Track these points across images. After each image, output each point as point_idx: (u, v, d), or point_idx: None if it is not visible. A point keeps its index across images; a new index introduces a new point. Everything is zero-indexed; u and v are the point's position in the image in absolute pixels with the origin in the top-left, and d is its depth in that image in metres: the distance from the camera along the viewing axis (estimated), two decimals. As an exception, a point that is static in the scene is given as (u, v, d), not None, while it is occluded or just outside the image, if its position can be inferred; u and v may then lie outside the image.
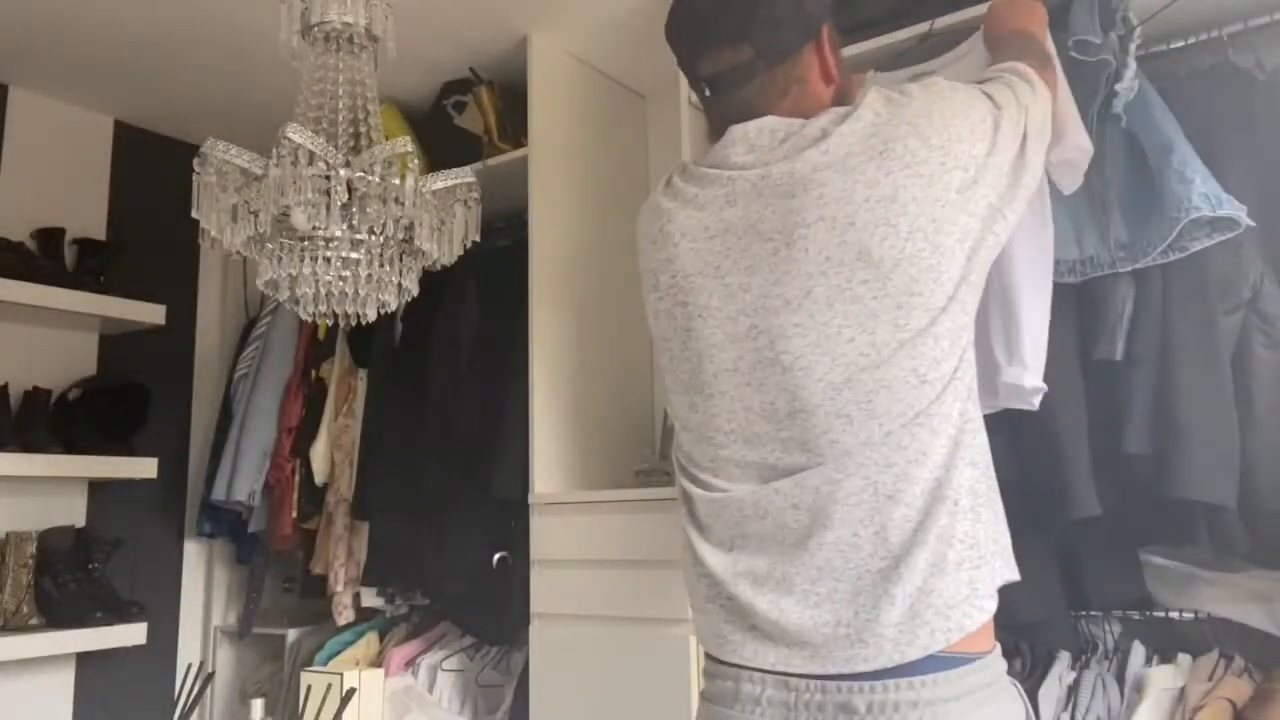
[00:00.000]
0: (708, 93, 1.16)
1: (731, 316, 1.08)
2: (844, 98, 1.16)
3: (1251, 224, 1.39)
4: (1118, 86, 1.47)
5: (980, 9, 1.58)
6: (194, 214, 1.46)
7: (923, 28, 1.65)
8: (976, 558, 1.00)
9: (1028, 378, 1.30)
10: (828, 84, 1.15)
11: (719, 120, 1.16)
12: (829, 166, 1.03)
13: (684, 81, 1.94)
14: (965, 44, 1.55)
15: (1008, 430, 1.48)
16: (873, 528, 1.00)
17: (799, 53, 1.12)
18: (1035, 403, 1.34)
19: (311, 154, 1.40)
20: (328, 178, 1.41)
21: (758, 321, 1.05)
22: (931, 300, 1.01)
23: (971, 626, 0.98)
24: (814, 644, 1.00)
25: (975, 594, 0.99)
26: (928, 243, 1.01)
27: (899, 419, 1.00)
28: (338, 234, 1.47)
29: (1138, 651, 1.61)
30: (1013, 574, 1.04)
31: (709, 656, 1.12)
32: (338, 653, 2.38)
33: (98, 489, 2.56)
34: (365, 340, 2.47)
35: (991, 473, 1.07)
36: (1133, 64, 1.48)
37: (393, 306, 1.60)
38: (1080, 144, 1.29)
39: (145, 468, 2.46)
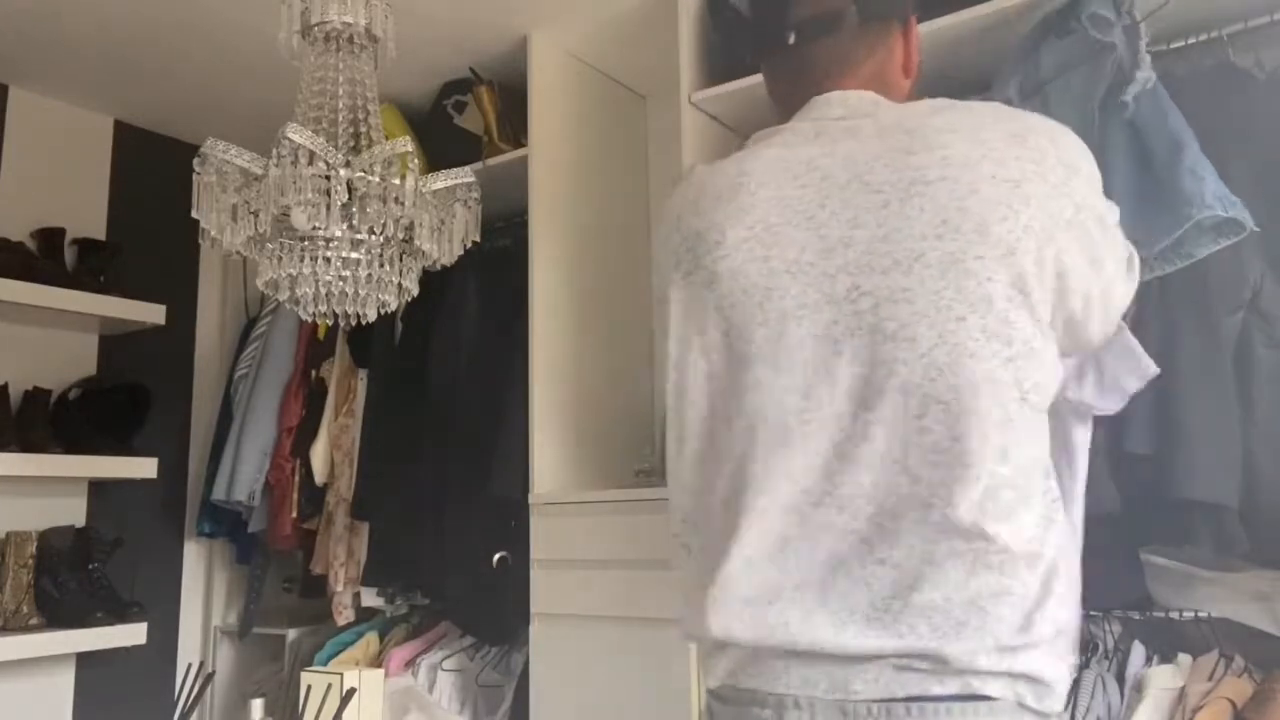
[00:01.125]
0: (792, 39, 1.05)
1: (829, 274, 0.93)
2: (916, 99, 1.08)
3: (1255, 228, 1.39)
4: (1136, 74, 1.46)
5: (963, 15, 1.61)
6: (194, 214, 1.46)
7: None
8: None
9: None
10: (907, 76, 1.10)
11: (792, 79, 1.07)
12: (954, 130, 0.94)
13: (684, 81, 1.96)
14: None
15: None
16: None
17: (890, 24, 1.07)
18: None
19: (311, 154, 1.40)
20: (328, 178, 1.41)
21: (861, 281, 0.92)
22: (1037, 311, 0.91)
23: None
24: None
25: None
26: (1036, 248, 0.90)
27: (994, 423, 0.88)
28: (338, 234, 1.47)
29: (1138, 651, 1.61)
30: None
31: None
32: (338, 653, 2.38)
33: (98, 489, 2.56)
34: (365, 340, 2.47)
35: None
36: (1147, 56, 1.48)
37: (393, 306, 1.61)
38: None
39: (145, 468, 2.46)
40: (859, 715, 0.88)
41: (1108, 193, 1.01)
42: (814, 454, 0.91)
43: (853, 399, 0.91)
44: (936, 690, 0.86)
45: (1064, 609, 0.90)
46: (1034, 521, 0.89)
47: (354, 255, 1.50)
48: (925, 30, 1.66)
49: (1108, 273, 0.98)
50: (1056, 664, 0.90)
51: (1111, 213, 1.01)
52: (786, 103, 1.07)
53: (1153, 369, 1.13)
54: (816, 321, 0.93)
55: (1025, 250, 0.89)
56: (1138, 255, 1.06)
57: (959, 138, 0.93)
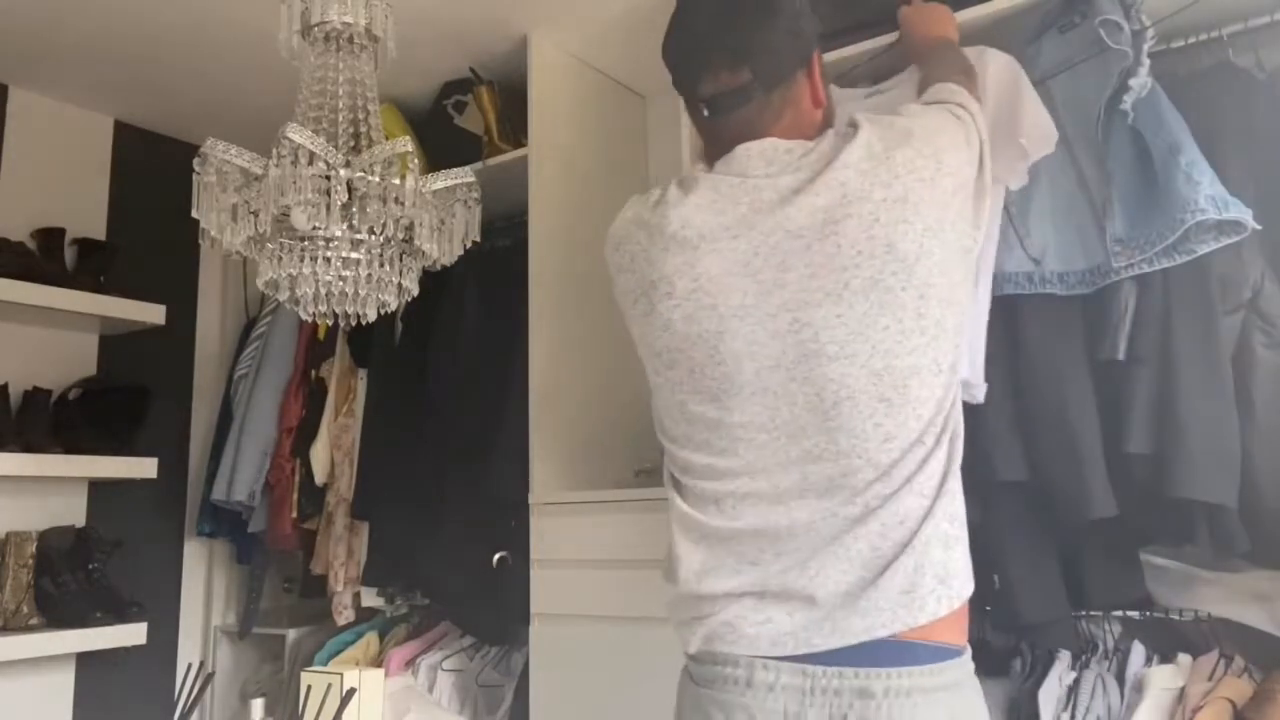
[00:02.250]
0: (706, 113, 1.19)
1: (771, 313, 1.09)
2: (829, 119, 1.23)
3: (1257, 227, 1.39)
4: (1131, 82, 1.47)
5: (963, 16, 1.62)
6: (194, 214, 1.46)
7: (881, 41, 1.69)
8: (961, 537, 1.11)
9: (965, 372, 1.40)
10: (817, 107, 1.20)
11: (717, 140, 1.20)
12: (845, 166, 1.09)
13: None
14: (910, 68, 1.61)
15: (1022, 434, 1.50)
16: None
17: (793, 77, 1.17)
18: (978, 396, 1.45)
19: (311, 154, 1.40)
20: (328, 178, 1.41)
21: (799, 315, 1.08)
22: (944, 294, 1.09)
23: (964, 597, 1.09)
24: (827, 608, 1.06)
25: (967, 570, 1.10)
26: (937, 241, 1.08)
27: (927, 404, 1.07)
28: (338, 234, 1.47)
29: (1138, 651, 1.61)
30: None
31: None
32: (338, 653, 2.38)
33: (98, 489, 2.56)
34: (365, 340, 2.47)
35: None
36: (1147, 61, 1.48)
37: (393, 306, 1.60)
38: (1040, 123, 1.44)
39: (145, 468, 2.46)
40: None
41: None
42: (786, 461, 1.09)
43: (812, 414, 1.08)
44: None
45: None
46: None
47: (354, 255, 1.50)
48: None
49: (984, 166, 1.17)
50: None
51: (969, 123, 1.18)
52: (711, 149, 1.22)
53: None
54: (768, 354, 1.09)
55: (929, 251, 1.07)
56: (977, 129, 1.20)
57: (851, 173, 1.08)
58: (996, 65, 1.50)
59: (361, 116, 1.52)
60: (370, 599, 2.43)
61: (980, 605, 1.30)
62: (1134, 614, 1.62)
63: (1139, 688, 1.55)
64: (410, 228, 1.51)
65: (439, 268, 1.63)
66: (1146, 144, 1.46)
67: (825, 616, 1.05)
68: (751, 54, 1.14)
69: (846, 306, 1.06)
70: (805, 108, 1.19)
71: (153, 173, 2.69)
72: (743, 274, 1.10)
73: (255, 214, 1.43)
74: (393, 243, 1.52)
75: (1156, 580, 1.59)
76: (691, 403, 1.14)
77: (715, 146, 1.20)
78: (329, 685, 2.02)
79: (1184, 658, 1.57)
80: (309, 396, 2.60)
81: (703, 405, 1.13)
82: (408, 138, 1.49)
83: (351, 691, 1.97)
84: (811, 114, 1.20)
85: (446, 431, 2.24)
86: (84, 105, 2.62)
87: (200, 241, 1.48)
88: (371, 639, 2.43)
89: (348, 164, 1.43)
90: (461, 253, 1.61)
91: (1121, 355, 1.46)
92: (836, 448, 1.07)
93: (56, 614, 2.27)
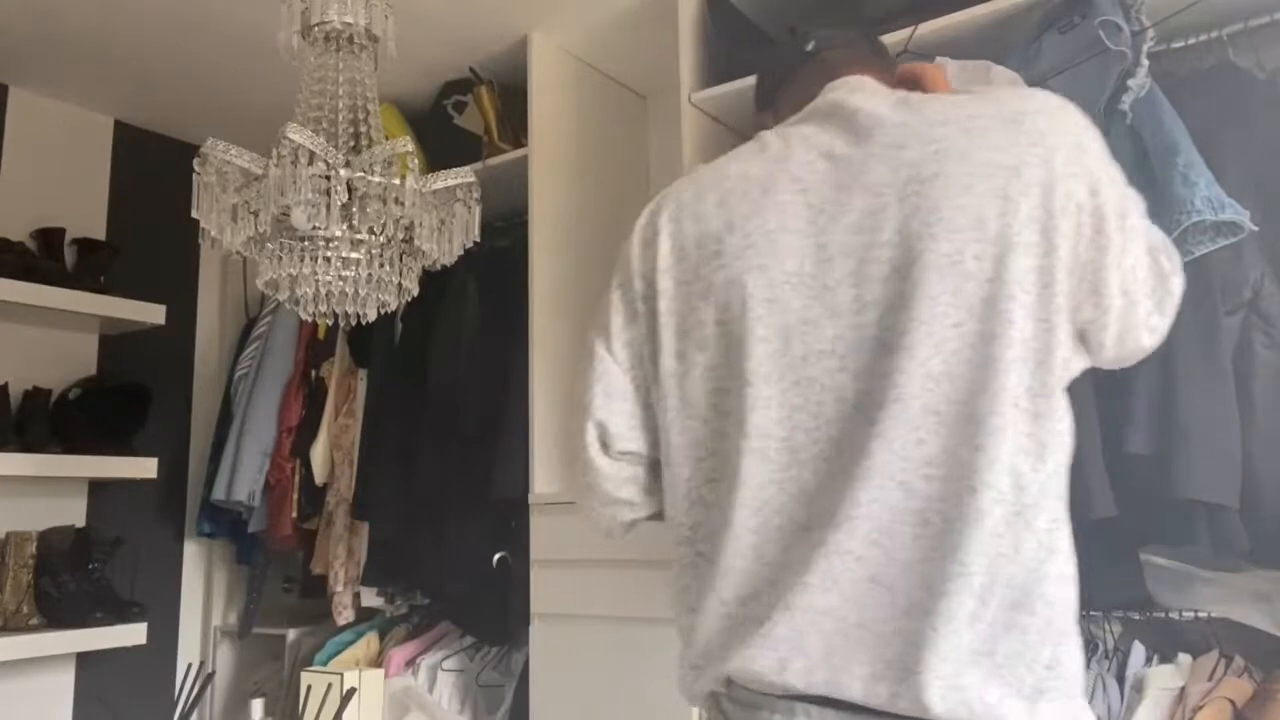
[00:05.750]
0: (811, 46, 1.09)
1: (829, 286, 0.90)
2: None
3: (1254, 228, 1.39)
4: (1130, 83, 1.47)
5: (962, 16, 1.62)
6: (194, 214, 1.46)
7: (905, 33, 1.66)
8: None
9: None
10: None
11: (804, 80, 1.06)
12: (946, 121, 0.90)
13: (684, 81, 1.95)
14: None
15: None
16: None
17: (890, 72, 1.10)
18: None
19: (311, 154, 1.40)
20: (328, 178, 1.41)
21: (863, 292, 0.89)
22: (1040, 310, 0.86)
23: None
24: None
25: None
26: (1044, 239, 0.86)
27: (995, 430, 0.84)
28: (338, 234, 1.47)
29: (1138, 651, 1.61)
30: None
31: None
32: (338, 653, 2.38)
33: (98, 489, 2.56)
34: (365, 340, 2.47)
35: None
36: (1146, 62, 1.48)
37: (393, 306, 1.61)
38: None
39: (145, 468, 2.45)
40: None
41: None
42: (824, 475, 0.88)
43: (860, 413, 0.87)
44: None
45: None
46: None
47: (354, 255, 1.50)
48: (926, 30, 1.66)
49: (1128, 275, 0.91)
50: None
51: (1135, 203, 0.94)
52: (794, 102, 1.05)
53: None
54: (820, 337, 0.90)
55: (1026, 245, 0.85)
56: (1179, 275, 1.00)
57: (952, 129, 0.89)
58: (1001, 81, 1.50)
59: (361, 116, 1.53)
60: (370, 599, 2.43)
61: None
62: (1134, 614, 1.62)
63: (1139, 688, 1.55)
64: (410, 228, 1.51)
65: (439, 268, 1.63)
66: (1145, 145, 1.46)
67: None
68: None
69: (912, 286, 0.89)
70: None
71: (153, 173, 2.69)
72: (805, 233, 0.97)
73: (255, 214, 1.44)
74: (393, 243, 1.53)
75: (1156, 580, 1.59)
76: (731, 390, 1.01)
77: (804, 92, 1.07)
78: (329, 685, 2.03)
79: (1184, 658, 1.57)
80: (309, 396, 2.59)
81: (737, 394, 0.99)
82: (408, 138, 1.49)
83: (351, 691, 1.97)
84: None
85: (446, 432, 2.24)
86: (84, 105, 2.62)
87: (200, 241, 1.49)
88: (371, 639, 2.43)
89: (348, 164, 1.43)
90: (461, 253, 1.61)
91: (1121, 355, 1.46)
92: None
93: (56, 614, 2.27)
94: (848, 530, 0.85)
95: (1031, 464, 0.84)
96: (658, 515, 1.07)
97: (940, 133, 0.90)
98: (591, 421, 1.01)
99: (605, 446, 1.02)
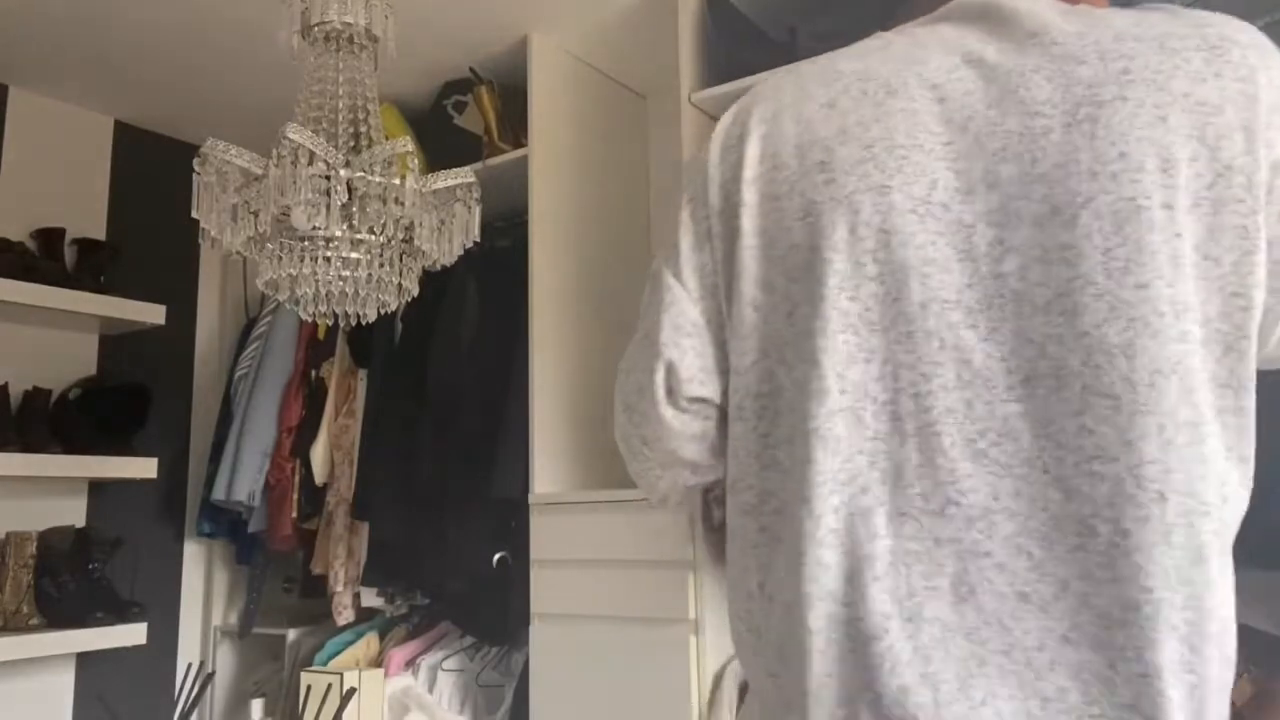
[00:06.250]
0: None
1: (966, 222, 0.73)
2: None
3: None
4: None
5: None
6: (194, 214, 1.46)
7: None
8: None
9: None
10: None
11: None
12: (1139, 38, 0.72)
13: (684, 81, 1.96)
14: None
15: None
16: None
17: None
18: None
19: (311, 154, 1.40)
20: (328, 178, 1.41)
21: (1007, 234, 0.72)
22: (1237, 281, 0.69)
23: None
24: None
25: None
26: (1249, 195, 0.69)
27: (1187, 424, 0.68)
28: (338, 234, 1.47)
29: (1138, 651, 1.61)
30: None
31: None
32: (338, 653, 2.38)
33: (98, 489, 2.56)
34: (365, 340, 2.47)
35: None
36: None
37: (393, 306, 1.61)
38: None
39: (145, 468, 2.45)
40: None
41: None
42: (931, 449, 0.72)
43: (988, 385, 0.71)
44: None
45: None
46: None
47: (354, 255, 1.50)
48: None
49: None
50: None
51: None
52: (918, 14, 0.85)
53: None
54: (945, 283, 0.72)
55: (1233, 195, 0.69)
56: None
57: (1144, 46, 0.72)
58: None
59: (361, 116, 1.53)
60: (370, 599, 2.43)
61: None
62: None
63: (1139, 688, 1.55)
64: (410, 228, 1.51)
65: (439, 268, 1.64)
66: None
67: None
68: None
69: (1083, 235, 0.73)
70: None
71: (153, 173, 2.70)
72: (940, 153, 0.79)
73: (255, 214, 1.44)
74: (393, 243, 1.53)
75: (1156, 580, 1.59)
76: (823, 333, 0.80)
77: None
78: (329, 685, 2.03)
79: (1184, 658, 1.57)
80: (309, 396, 2.60)
81: (839, 337, 0.80)
82: (408, 138, 1.49)
83: (351, 691, 1.97)
84: None
85: (446, 431, 2.24)
86: (84, 105, 2.62)
87: (200, 241, 1.49)
88: (371, 639, 2.43)
89: (348, 164, 1.43)
90: (461, 253, 1.61)
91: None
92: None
93: (56, 614, 2.27)
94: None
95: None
96: (722, 482, 0.88)
97: (1131, 48, 0.72)
98: (661, 362, 0.83)
99: (671, 392, 0.84)
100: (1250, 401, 0.70)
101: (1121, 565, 0.67)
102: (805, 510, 0.73)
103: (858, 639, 0.70)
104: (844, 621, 0.70)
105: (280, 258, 1.49)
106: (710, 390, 0.84)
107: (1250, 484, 0.72)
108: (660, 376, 0.83)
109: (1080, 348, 0.68)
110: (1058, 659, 0.67)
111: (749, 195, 0.80)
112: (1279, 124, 0.71)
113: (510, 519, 2.13)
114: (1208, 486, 0.68)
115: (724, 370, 0.83)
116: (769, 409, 0.79)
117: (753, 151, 0.81)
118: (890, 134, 0.75)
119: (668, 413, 0.85)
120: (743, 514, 0.80)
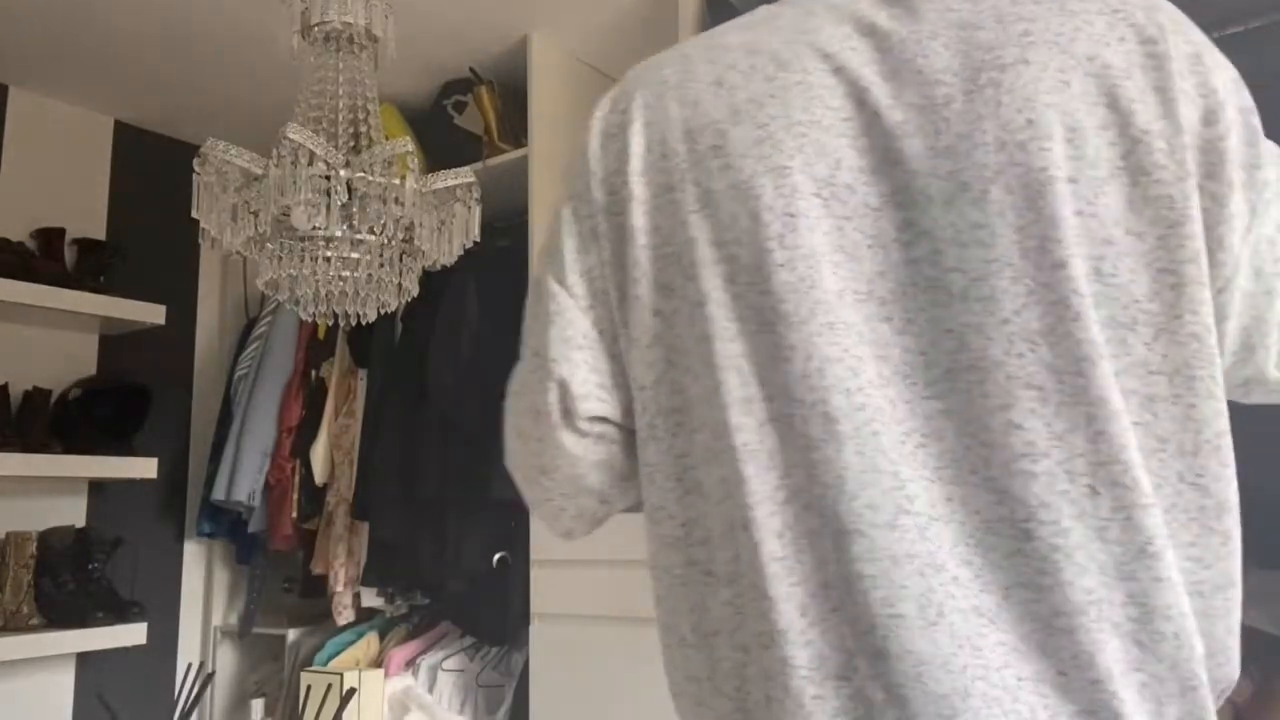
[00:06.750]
0: None
1: (872, 205, 0.66)
2: None
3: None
4: None
5: None
6: (194, 214, 1.46)
7: None
8: None
9: None
10: None
11: None
12: (1038, 1, 0.68)
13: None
14: None
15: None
16: None
17: None
18: None
19: (311, 154, 1.40)
20: (328, 178, 1.41)
21: (916, 215, 0.65)
22: (1165, 257, 0.64)
23: None
24: None
25: None
26: (1171, 161, 0.64)
27: (1117, 413, 0.63)
28: (338, 234, 1.48)
29: (1138, 651, 1.61)
30: None
31: None
32: (338, 653, 2.39)
33: (98, 489, 2.56)
34: (365, 340, 2.47)
35: None
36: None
37: (393, 306, 1.61)
38: None
39: (145, 468, 2.45)
40: None
41: None
42: (872, 451, 0.63)
43: (907, 382, 0.64)
44: None
45: None
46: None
47: (354, 255, 1.50)
48: None
49: (1262, 250, 0.69)
50: None
51: (1275, 155, 0.70)
52: None
53: None
54: (856, 272, 0.65)
55: (1157, 164, 0.64)
56: None
57: (1044, 9, 0.67)
58: None
59: (361, 116, 1.53)
60: (370, 599, 2.43)
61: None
62: (1134, 614, 1.61)
63: (1139, 688, 1.55)
64: (410, 228, 1.51)
65: (439, 268, 1.64)
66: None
67: None
68: None
69: (995, 213, 0.68)
70: None
71: (153, 173, 2.70)
72: (840, 130, 0.72)
73: (255, 214, 1.44)
74: (393, 243, 1.53)
75: (1156, 580, 1.59)
76: (730, 337, 0.73)
77: None
78: (329, 685, 2.03)
79: (1184, 658, 1.57)
80: (309, 396, 2.60)
81: (749, 339, 0.72)
82: (408, 138, 1.49)
83: (351, 691, 1.97)
84: None
85: (446, 432, 2.24)
86: (84, 105, 2.62)
87: (200, 241, 1.49)
88: (371, 639, 2.44)
89: (348, 164, 1.43)
90: (461, 253, 1.61)
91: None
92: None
93: (56, 614, 2.27)
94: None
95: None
96: (635, 509, 0.81)
97: (1030, 10, 0.67)
98: (553, 381, 0.73)
99: (568, 413, 0.73)
100: (1200, 386, 0.65)
101: (1060, 567, 0.61)
102: (744, 537, 0.64)
103: (824, 685, 0.61)
104: (803, 667, 0.62)
105: (280, 258, 1.49)
106: (610, 408, 0.74)
107: (1223, 471, 0.70)
108: (554, 397, 0.73)
109: (1002, 336, 0.62)
110: (1021, 674, 0.61)
111: (637, 189, 0.71)
112: (1196, 84, 0.66)
113: (510, 519, 2.13)
114: (1144, 478, 0.63)
115: (622, 384, 0.73)
116: (684, 425, 0.69)
117: (637, 140, 0.72)
118: (786, 110, 0.67)
119: (567, 438, 0.74)
120: (666, 547, 0.73)
